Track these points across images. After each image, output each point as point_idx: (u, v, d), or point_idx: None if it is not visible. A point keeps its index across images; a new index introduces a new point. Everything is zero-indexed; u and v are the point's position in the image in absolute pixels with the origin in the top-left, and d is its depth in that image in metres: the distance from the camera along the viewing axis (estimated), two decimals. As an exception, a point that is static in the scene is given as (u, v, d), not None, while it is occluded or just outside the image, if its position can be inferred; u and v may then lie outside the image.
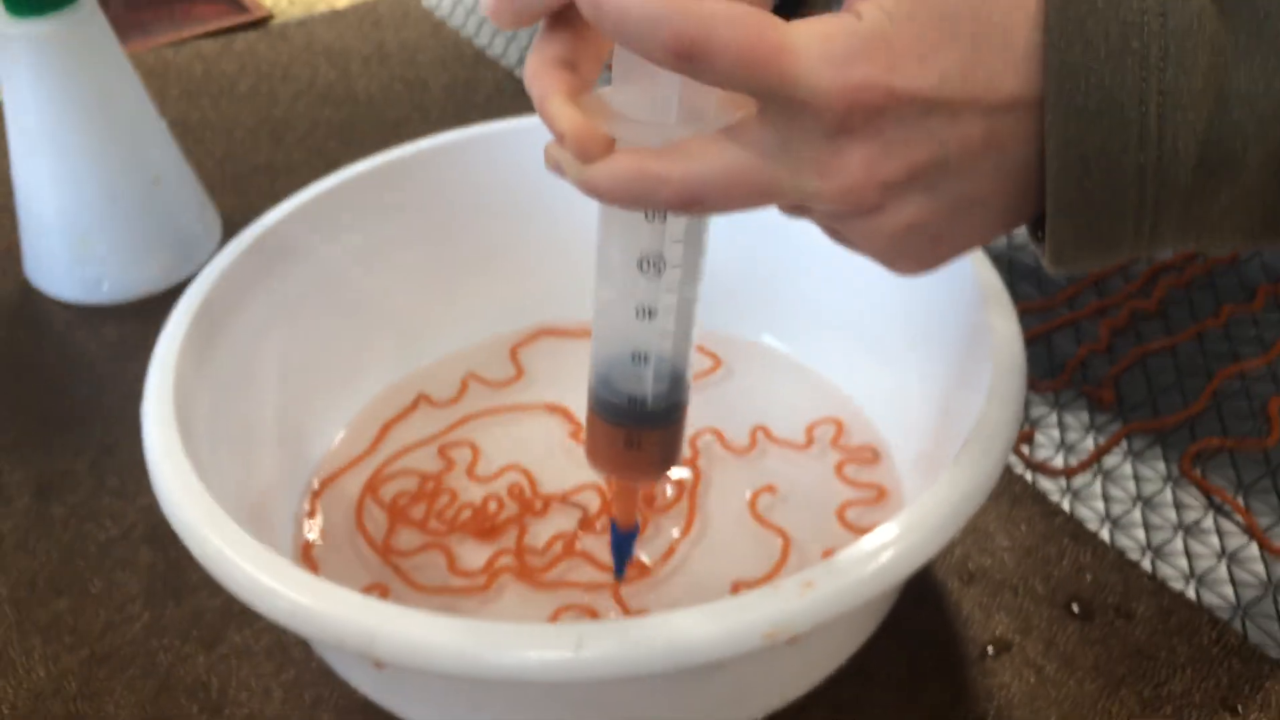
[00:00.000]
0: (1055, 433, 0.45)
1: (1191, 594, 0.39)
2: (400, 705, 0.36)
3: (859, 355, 0.45)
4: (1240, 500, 0.42)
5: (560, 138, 0.26)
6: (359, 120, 0.67)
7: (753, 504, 0.41)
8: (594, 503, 0.42)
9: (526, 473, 0.43)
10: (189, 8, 0.81)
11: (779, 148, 0.25)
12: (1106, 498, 0.42)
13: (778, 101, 0.24)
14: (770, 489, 0.42)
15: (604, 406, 0.32)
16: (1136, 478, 0.43)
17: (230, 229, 0.58)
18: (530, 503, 0.42)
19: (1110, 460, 0.44)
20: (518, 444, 0.44)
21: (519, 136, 0.46)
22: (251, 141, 0.66)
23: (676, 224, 0.29)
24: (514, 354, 0.49)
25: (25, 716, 0.37)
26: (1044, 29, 0.24)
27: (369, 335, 0.46)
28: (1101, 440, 0.45)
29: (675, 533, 0.41)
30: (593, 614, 0.38)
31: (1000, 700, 0.36)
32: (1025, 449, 0.44)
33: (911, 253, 0.27)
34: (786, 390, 0.46)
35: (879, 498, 0.41)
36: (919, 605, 0.38)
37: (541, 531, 0.41)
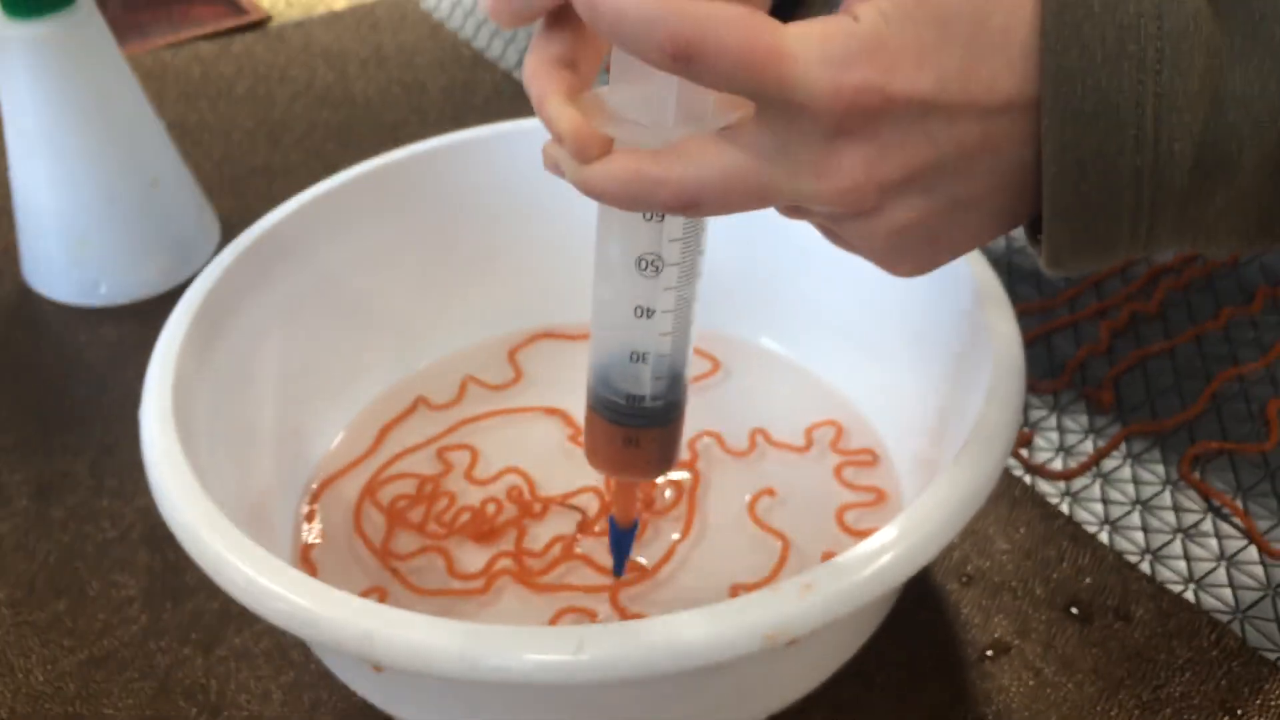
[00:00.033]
0: (1054, 435, 0.45)
1: (1191, 597, 0.39)
2: (399, 708, 0.35)
3: (858, 358, 0.45)
4: (1239, 503, 0.42)
5: (558, 138, 0.26)
6: (357, 122, 0.67)
7: (752, 507, 0.41)
8: (593, 505, 0.42)
9: (525, 475, 0.43)
10: (187, 9, 0.81)
11: (776, 150, 0.25)
12: (1105, 500, 0.42)
13: (775, 104, 0.25)
14: (769, 491, 0.42)
15: (603, 405, 0.32)
16: (1135, 480, 0.43)
17: (228, 231, 0.58)
18: (529, 505, 0.42)
19: (1109, 463, 0.44)
20: (516, 447, 0.44)
21: (517, 139, 0.46)
22: (249, 143, 0.65)
23: (674, 224, 0.29)
24: (512, 356, 0.49)
25: (24, 718, 0.37)
26: (1040, 32, 0.24)
27: (368, 338, 0.46)
28: (1101, 443, 0.45)
29: (675, 535, 0.41)
30: (592, 617, 0.38)
31: (999, 703, 0.36)
32: (1024, 452, 0.44)
33: (908, 254, 0.28)
34: (785, 393, 0.46)
35: (878, 500, 0.41)
36: (918, 607, 0.38)
37: (540, 534, 0.41)
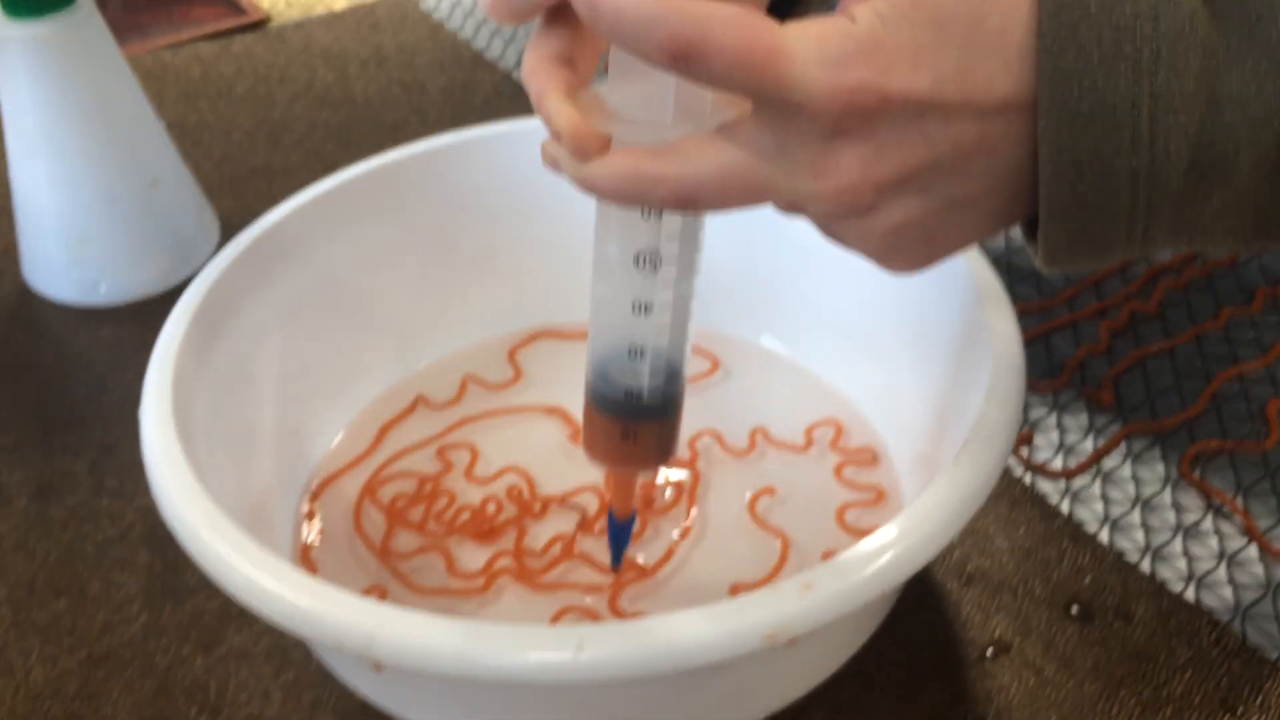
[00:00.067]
0: (1054, 435, 0.45)
1: (1191, 596, 0.39)
2: (399, 707, 0.35)
3: (858, 357, 0.45)
4: (1239, 502, 0.42)
5: (557, 135, 0.26)
6: (357, 122, 0.67)
7: (752, 506, 0.41)
8: (593, 504, 0.42)
9: (525, 474, 0.43)
10: (186, 10, 0.81)
11: (774, 149, 0.25)
12: (1106, 499, 0.42)
13: (772, 103, 0.25)
14: (769, 491, 0.42)
15: (601, 399, 0.32)
16: (1136, 480, 0.43)
17: (228, 231, 0.58)
18: (529, 504, 0.42)
19: (1109, 462, 0.44)
20: (516, 446, 0.44)
21: (517, 139, 0.46)
22: (249, 143, 0.65)
23: (672, 221, 0.29)
24: (512, 356, 0.49)
25: (24, 718, 0.37)
26: (1037, 33, 0.24)
27: (367, 337, 0.46)
28: (1101, 442, 0.45)
29: (675, 534, 0.41)
30: (593, 616, 0.38)
31: (1000, 702, 0.36)
32: (1024, 451, 0.44)
33: (905, 252, 0.28)
34: (785, 392, 0.46)
35: (878, 499, 0.41)
36: (918, 607, 0.38)
37: (540, 533, 0.41)
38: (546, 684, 0.28)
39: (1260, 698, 0.36)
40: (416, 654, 0.28)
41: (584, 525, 0.41)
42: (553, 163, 0.27)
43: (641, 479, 0.42)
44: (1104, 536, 0.41)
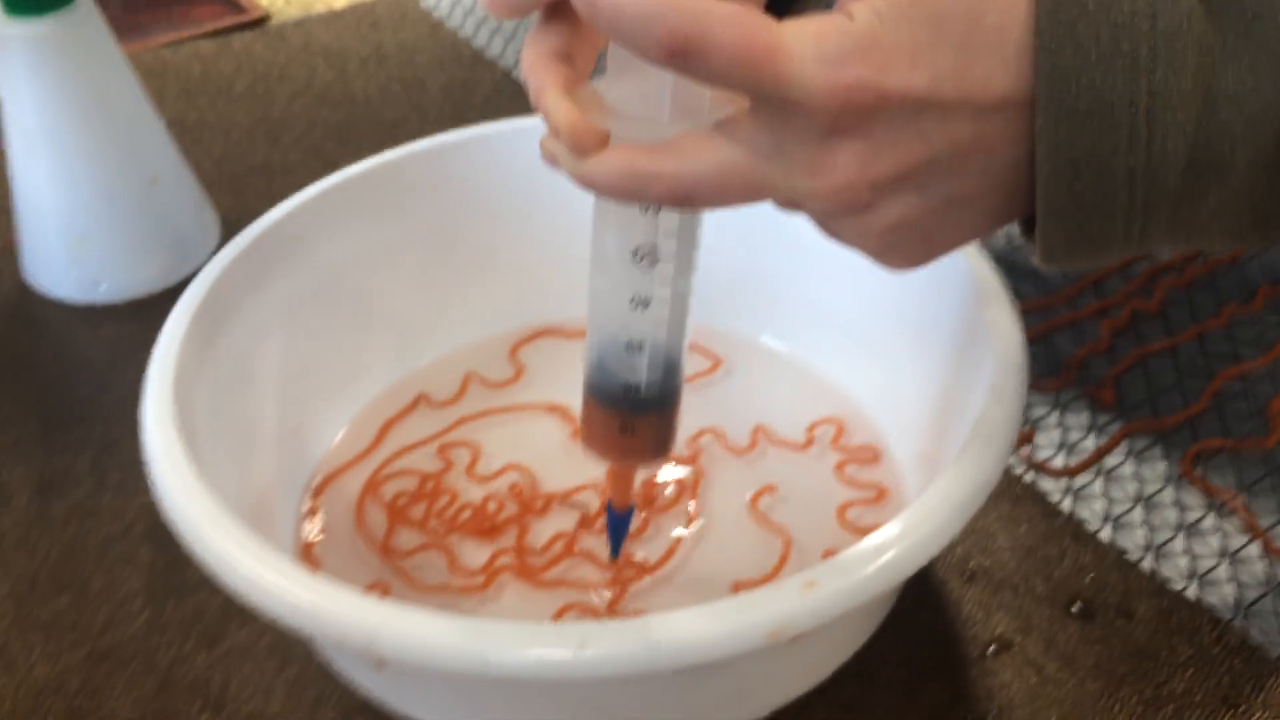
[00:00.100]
0: (1056, 433, 0.45)
1: (1192, 594, 0.39)
2: (401, 704, 0.35)
3: (859, 355, 0.45)
4: (1241, 500, 0.42)
5: (555, 131, 0.26)
6: (357, 121, 0.67)
7: (753, 504, 0.41)
8: (594, 502, 0.42)
9: (527, 472, 0.43)
10: (186, 8, 0.81)
11: (772, 146, 0.25)
12: (1107, 498, 0.42)
13: (770, 101, 0.25)
14: (771, 489, 0.42)
15: (599, 392, 0.32)
16: (1137, 478, 0.43)
17: (228, 229, 0.58)
18: (530, 502, 0.42)
19: (1111, 460, 0.44)
20: (518, 443, 0.44)
21: (517, 137, 0.46)
22: (249, 142, 0.65)
23: (670, 217, 0.29)
24: (514, 353, 0.49)
25: (26, 714, 0.37)
26: (1035, 31, 0.24)
27: (368, 335, 0.46)
28: (1102, 440, 0.45)
29: (676, 532, 0.41)
30: (594, 614, 0.38)
31: (1001, 700, 0.36)
32: (1026, 449, 0.44)
33: (902, 249, 0.28)
34: (786, 390, 0.46)
35: (879, 497, 0.41)
36: (920, 605, 0.38)
37: (542, 531, 0.41)
38: (548, 681, 0.28)
39: (1262, 695, 0.36)
40: (418, 651, 0.28)
41: (585, 522, 0.41)
42: (551, 158, 0.27)
43: (641, 473, 0.43)
44: (1105, 535, 0.41)
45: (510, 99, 0.68)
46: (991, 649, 0.37)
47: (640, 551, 0.40)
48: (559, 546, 0.40)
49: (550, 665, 0.28)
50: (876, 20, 0.24)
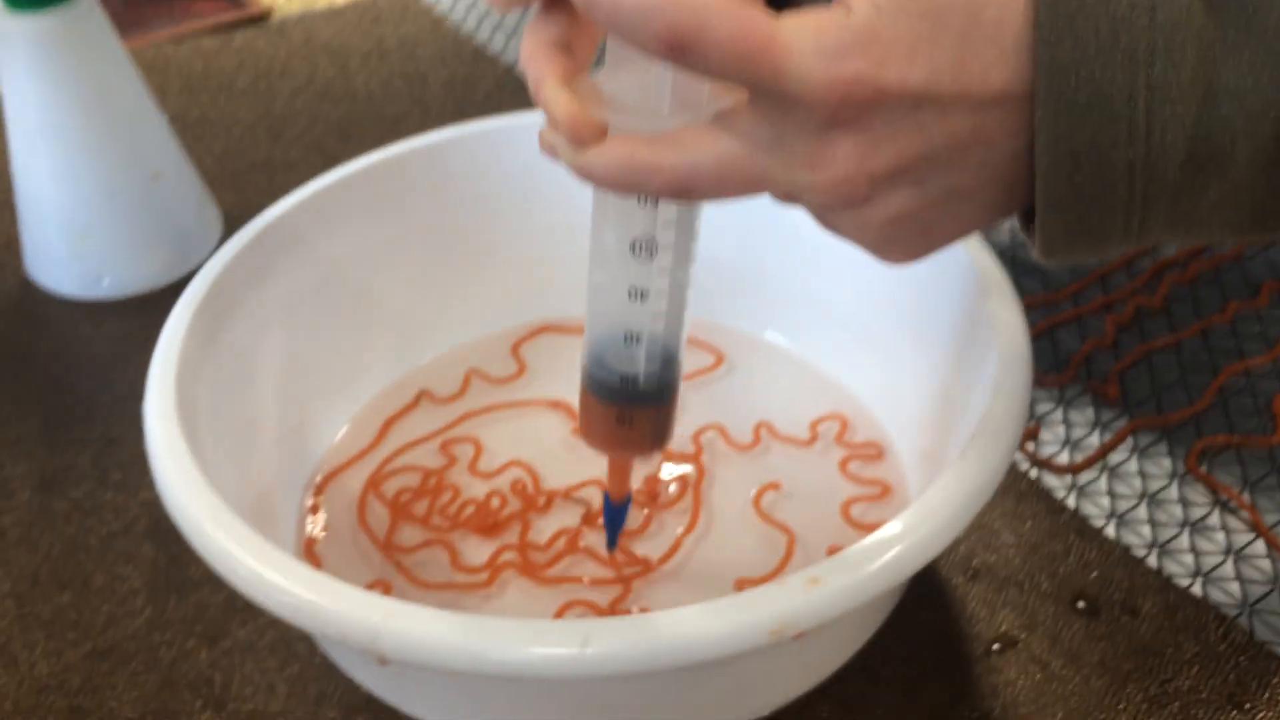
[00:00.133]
0: (1060, 429, 0.45)
1: (1198, 590, 0.39)
2: (404, 701, 0.35)
3: (862, 351, 0.45)
4: (1246, 497, 0.42)
5: (554, 123, 0.26)
6: (358, 116, 0.67)
7: (757, 501, 0.41)
8: (597, 498, 0.42)
9: (529, 468, 0.43)
10: (188, 4, 0.80)
11: (770, 140, 0.25)
12: (1112, 494, 0.42)
13: (769, 95, 0.25)
14: (774, 485, 0.42)
15: (597, 385, 0.32)
16: (1142, 474, 0.43)
17: (230, 225, 0.58)
18: (533, 499, 0.42)
19: (1116, 457, 0.44)
20: (520, 440, 0.44)
21: (519, 132, 0.46)
22: (251, 138, 0.65)
23: (669, 209, 0.29)
24: (516, 350, 0.48)
25: (28, 711, 0.37)
26: (1034, 24, 0.24)
27: (370, 331, 0.46)
28: (1107, 437, 0.44)
29: (680, 529, 0.40)
30: (598, 610, 0.38)
31: (1005, 697, 0.36)
32: (1030, 445, 0.44)
33: (900, 243, 0.28)
34: (790, 386, 0.46)
35: (883, 494, 0.41)
36: (924, 602, 0.38)
37: (545, 527, 0.41)
38: (551, 679, 0.28)
39: (1268, 693, 0.36)
40: (421, 648, 0.28)
41: (588, 519, 0.41)
42: (550, 150, 0.27)
43: (640, 466, 0.43)
44: (1110, 531, 0.41)
45: (512, 94, 0.68)
46: (996, 646, 0.37)
47: (643, 549, 0.40)
48: (562, 543, 0.40)
49: (553, 663, 0.27)
50: (875, 14, 0.24)
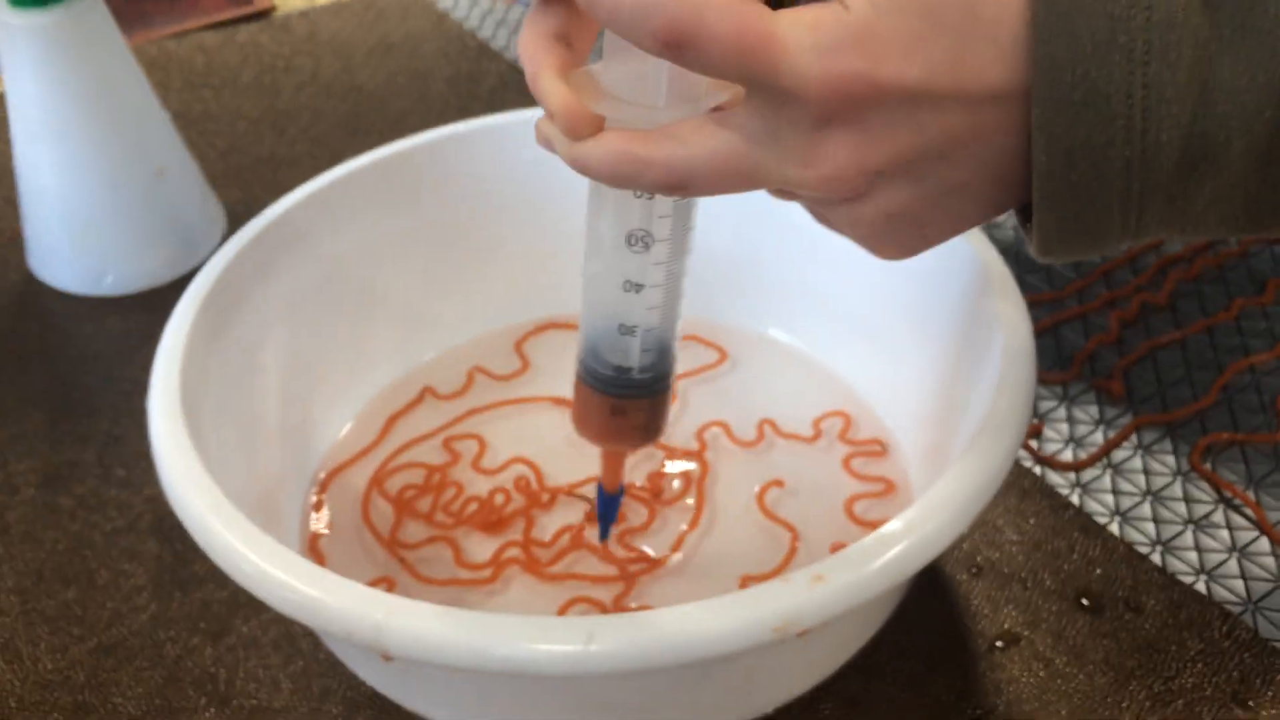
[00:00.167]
0: (1064, 426, 0.45)
1: (1202, 588, 0.39)
2: (408, 697, 0.35)
3: (866, 348, 0.45)
4: (1250, 494, 0.42)
5: (550, 114, 0.26)
6: (362, 112, 0.67)
7: (760, 497, 0.41)
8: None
9: (533, 465, 0.43)
10: (191, 0, 0.80)
11: (766, 135, 0.25)
12: (1116, 491, 0.42)
13: (765, 90, 0.25)
14: (778, 482, 0.42)
15: (591, 376, 0.32)
16: (1146, 471, 0.43)
17: (234, 221, 0.58)
18: (537, 495, 0.42)
19: (1120, 454, 0.44)
20: (524, 437, 0.44)
21: (523, 129, 0.46)
22: (254, 133, 0.65)
23: (664, 201, 0.29)
24: (519, 347, 0.48)
25: (32, 706, 0.37)
26: (1031, 23, 0.24)
27: (374, 328, 0.46)
28: (1111, 434, 0.44)
29: (683, 526, 0.40)
30: (601, 607, 0.38)
31: (1009, 694, 0.36)
32: (1034, 443, 0.44)
33: (895, 239, 0.28)
34: (793, 383, 0.46)
35: (887, 491, 0.41)
36: (927, 599, 0.38)
37: (548, 524, 0.41)
38: (555, 675, 0.28)
39: (1272, 690, 0.35)
40: (425, 645, 0.28)
41: (591, 516, 0.41)
42: (545, 142, 0.27)
43: (643, 462, 0.43)
44: (1114, 528, 0.41)
45: (516, 91, 0.68)
46: (999, 643, 0.37)
47: (647, 545, 0.40)
48: (566, 540, 0.40)
49: (557, 660, 0.27)
50: (872, 11, 0.24)
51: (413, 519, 0.41)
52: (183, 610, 0.40)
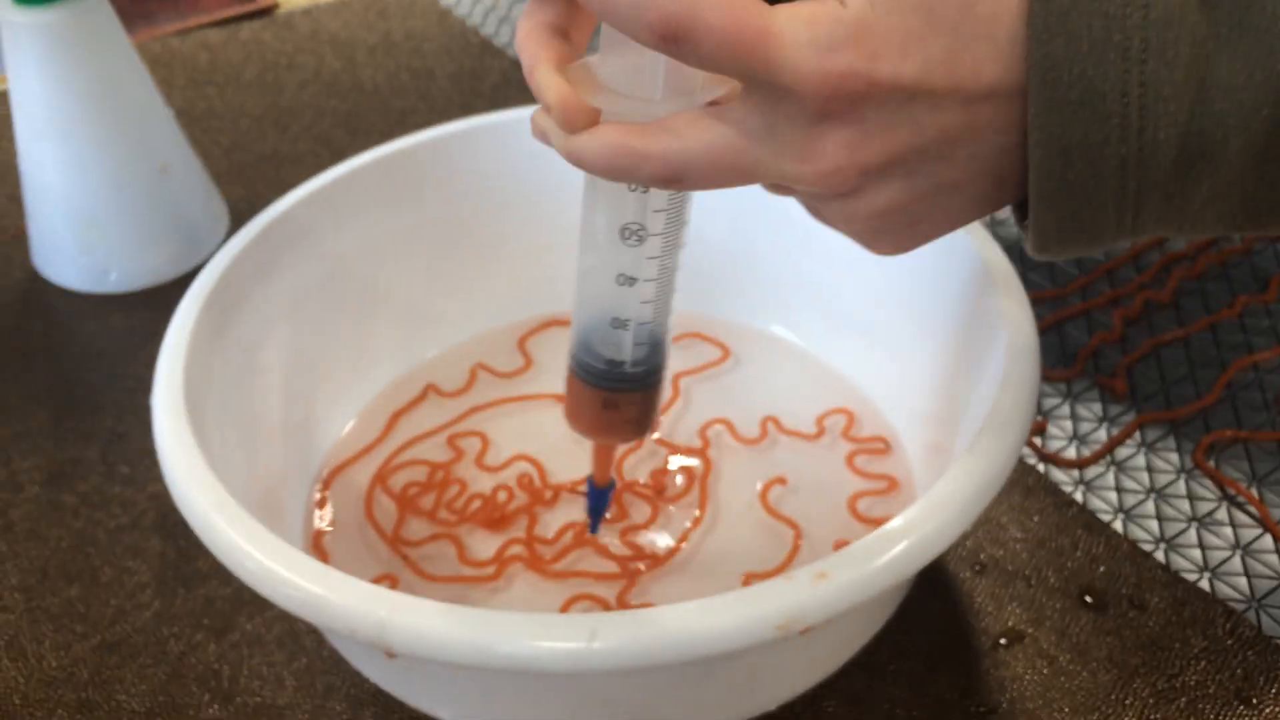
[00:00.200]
0: (1068, 424, 0.45)
1: (1206, 585, 0.39)
2: (411, 694, 0.36)
3: (869, 345, 0.45)
4: (1254, 492, 0.42)
5: (546, 107, 0.26)
6: (365, 110, 0.67)
7: (764, 495, 0.41)
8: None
9: (536, 462, 0.43)
10: (194, -3, 0.80)
11: (762, 130, 0.25)
12: (1120, 489, 0.42)
13: (761, 85, 0.25)
14: (781, 480, 0.42)
15: (584, 369, 0.32)
16: (1150, 469, 0.43)
17: (237, 218, 0.58)
18: (540, 492, 0.42)
19: (1123, 451, 0.44)
20: (527, 434, 0.44)
21: (526, 127, 0.44)
22: (257, 131, 0.65)
23: (659, 195, 0.29)
24: (522, 344, 0.48)
25: (37, 704, 0.37)
26: (1027, 20, 0.24)
27: (377, 325, 0.46)
28: (1114, 431, 0.44)
29: (686, 523, 0.40)
30: (604, 605, 0.38)
31: (1013, 691, 0.36)
32: (1038, 440, 0.44)
33: (889, 234, 0.28)
34: (796, 381, 0.46)
35: (890, 489, 0.41)
36: (931, 596, 0.38)
37: (551, 521, 0.41)
38: (558, 673, 0.28)
39: (1275, 688, 0.35)
40: (428, 642, 0.28)
41: (595, 513, 0.41)
42: (541, 134, 0.27)
43: (647, 460, 0.43)
44: (1118, 526, 0.41)
45: (519, 88, 0.68)
46: (1003, 641, 0.37)
47: (650, 542, 0.40)
48: (569, 537, 0.40)
49: (560, 657, 0.27)
50: (869, 7, 0.24)
51: (416, 516, 0.41)
52: (186, 607, 0.40)
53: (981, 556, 0.40)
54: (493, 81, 0.69)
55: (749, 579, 0.38)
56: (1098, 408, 0.45)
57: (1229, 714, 0.35)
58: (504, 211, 0.48)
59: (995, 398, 0.33)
